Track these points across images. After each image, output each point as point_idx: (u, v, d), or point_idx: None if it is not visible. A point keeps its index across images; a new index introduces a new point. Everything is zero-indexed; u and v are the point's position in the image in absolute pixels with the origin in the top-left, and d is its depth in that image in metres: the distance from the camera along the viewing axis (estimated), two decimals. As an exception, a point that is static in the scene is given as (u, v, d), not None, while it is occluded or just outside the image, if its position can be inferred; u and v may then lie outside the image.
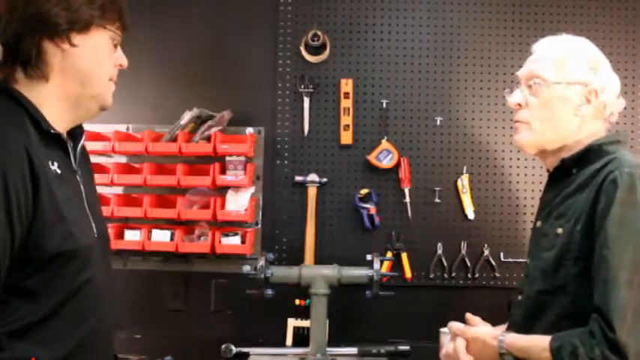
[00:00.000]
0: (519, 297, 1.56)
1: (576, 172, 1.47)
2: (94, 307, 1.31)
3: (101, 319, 1.34)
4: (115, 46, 1.35)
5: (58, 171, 1.25)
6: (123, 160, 2.74)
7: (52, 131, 1.26)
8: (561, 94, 1.48)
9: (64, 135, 1.32)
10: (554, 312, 1.40)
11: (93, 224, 1.34)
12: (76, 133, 1.38)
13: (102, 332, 1.35)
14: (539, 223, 1.55)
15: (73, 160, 1.33)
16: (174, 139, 2.63)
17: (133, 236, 2.63)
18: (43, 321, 1.21)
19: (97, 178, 2.56)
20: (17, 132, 1.19)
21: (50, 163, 1.23)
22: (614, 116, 1.53)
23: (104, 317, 1.36)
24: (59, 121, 1.29)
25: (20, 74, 1.26)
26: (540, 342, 1.35)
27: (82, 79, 1.29)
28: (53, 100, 1.28)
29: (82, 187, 1.34)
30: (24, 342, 1.19)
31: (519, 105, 1.53)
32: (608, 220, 1.32)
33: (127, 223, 2.68)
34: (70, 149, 1.33)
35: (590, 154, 1.46)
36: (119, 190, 2.71)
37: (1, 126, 1.19)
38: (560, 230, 1.43)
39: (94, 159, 2.65)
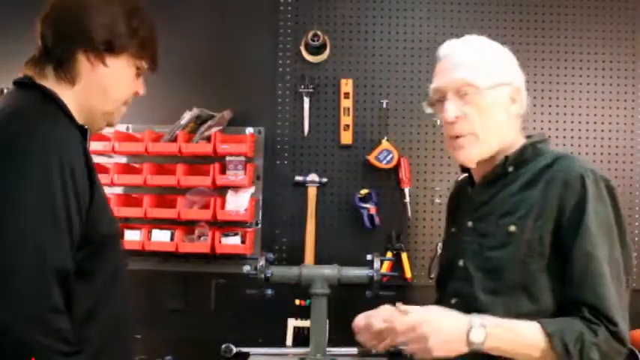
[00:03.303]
0: (452, 301, 1.48)
1: (513, 170, 1.46)
2: (125, 290, 1.40)
3: (129, 303, 1.42)
4: (138, 75, 1.45)
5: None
6: (123, 160, 2.74)
7: (85, 127, 1.35)
8: (494, 98, 1.45)
9: (90, 132, 1.40)
10: (512, 312, 1.35)
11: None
12: None
13: (130, 317, 1.44)
14: (470, 224, 1.50)
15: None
16: (174, 139, 2.63)
17: (133, 236, 2.62)
18: (96, 304, 1.29)
19: (97, 178, 2.60)
20: (72, 130, 1.29)
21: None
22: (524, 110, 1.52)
23: (129, 301, 1.44)
24: None
25: (50, 72, 1.34)
26: (523, 323, 1.30)
27: (101, 96, 1.38)
28: (73, 105, 1.35)
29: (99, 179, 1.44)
30: (87, 324, 1.26)
31: (457, 117, 1.46)
32: (587, 217, 1.32)
33: (127, 223, 2.68)
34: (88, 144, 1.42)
35: (527, 152, 1.47)
36: (119, 190, 2.71)
37: (59, 125, 1.27)
38: (512, 228, 1.39)
39: (94, 159, 2.67)
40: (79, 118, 1.35)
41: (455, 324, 1.30)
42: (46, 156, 1.20)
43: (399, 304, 1.37)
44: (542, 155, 1.46)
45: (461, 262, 1.50)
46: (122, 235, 1.51)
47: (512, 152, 1.47)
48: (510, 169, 1.47)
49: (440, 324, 1.30)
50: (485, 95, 1.44)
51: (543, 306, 1.36)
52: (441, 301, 1.54)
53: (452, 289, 1.52)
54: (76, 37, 1.32)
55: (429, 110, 1.55)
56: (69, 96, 1.33)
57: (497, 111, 1.46)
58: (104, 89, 1.37)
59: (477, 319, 1.29)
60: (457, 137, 1.48)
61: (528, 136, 1.53)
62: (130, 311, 1.43)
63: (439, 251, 2.66)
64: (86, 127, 1.35)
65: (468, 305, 1.41)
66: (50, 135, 1.23)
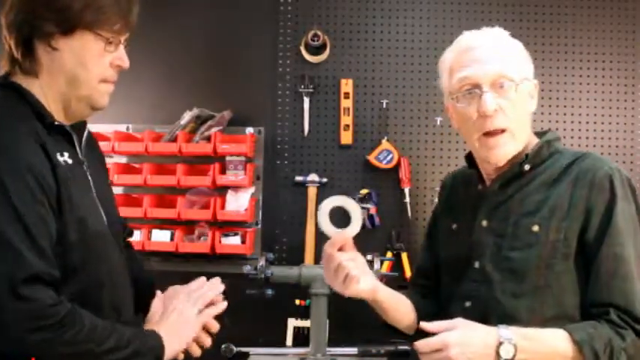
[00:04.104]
0: (466, 304, 1.42)
1: (529, 169, 1.41)
2: (112, 296, 1.33)
3: (120, 309, 1.36)
4: (111, 45, 1.32)
5: (69, 161, 1.28)
6: (123, 160, 2.74)
7: (55, 123, 1.28)
8: (523, 92, 1.40)
9: (68, 126, 1.34)
10: (536, 315, 1.32)
11: (102, 213, 1.35)
12: (80, 125, 1.40)
13: (121, 322, 1.36)
14: (484, 223, 1.43)
15: (78, 151, 1.35)
16: (174, 139, 2.63)
17: (133, 236, 2.63)
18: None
19: (97, 178, 2.60)
20: (27, 125, 1.23)
21: (59, 154, 1.26)
22: None
23: (124, 307, 1.38)
24: (57, 117, 1.31)
25: (17, 67, 1.28)
26: (548, 332, 1.27)
27: (69, 81, 1.29)
28: (47, 96, 1.29)
29: (89, 177, 1.36)
30: None
31: (495, 111, 1.36)
32: (616, 217, 1.30)
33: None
34: (75, 140, 1.35)
35: (543, 151, 1.42)
36: (119, 190, 2.71)
37: (11, 121, 1.22)
38: (536, 228, 1.34)
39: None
40: (56, 110, 1.30)
41: (483, 340, 1.25)
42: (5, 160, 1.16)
43: (422, 323, 1.30)
44: (558, 154, 1.42)
45: (476, 264, 1.42)
46: (115, 238, 1.41)
47: (531, 150, 1.42)
48: (527, 167, 1.41)
49: (468, 341, 1.24)
50: (519, 89, 1.38)
51: (567, 308, 1.32)
52: (451, 303, 1.48)
53: (465, 292, 1.44)
54: (25, 27, 1.25)
55: (450, 103, 1.45)
56: (38, 89, 1.28)
57: (524, 105, 1.41)
58: (68, 73, 1.28)
59: (504, 331, 1.24)
60: (490, 134, 1.38)
61: (539, 134, 1.47)
62: (117, 319, 1.34)
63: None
64: (57, 122, 1.28)
65: (487, 308, 1.37)
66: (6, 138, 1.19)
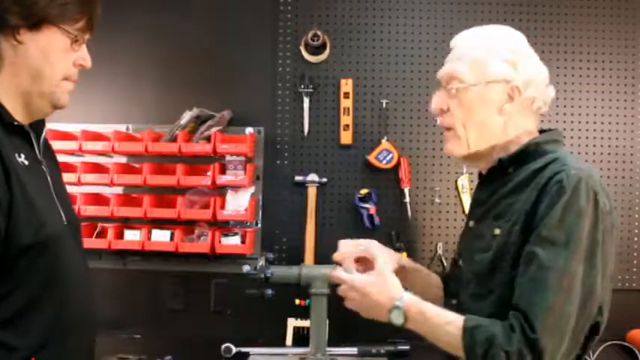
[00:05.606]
0: (453, 301, 1.46)
1: (512, 170, 1.40)
2: (72, 294, 1.34)
3: (80, 306, 1.36)
4: (75, 43, 1.33)
5: (26, 162, 1.28)
6: (123, 160, 2.74)
7: (15, 123, 1.29)
8: (481, 95, 1.39)
9: (27, 127, 1.34)
10: (492, 317, 1.30)
11: (61, 212, 1.36)
12: (38, 124, 1.40)
13: (82, 319, 1.38)
14: (471, 223, 1.47)
15: (37, 151, 1.36)
16: (174, 139, 2.63)
17: (132, 236, 2.63)
18: (23, 310, 1.23)
19: (97, 178, 2.60)
20: None
21: (17, 155, 1.26)
22: (544, 108, 1.44)
23: (83, 304, 1.38)
24: (16, 115, 1.31)
25: None
26: (451, 315, 1.30)
27: (32, 76, 1.29)
28: (6, 93, 1.29)
29: (48, 176, 1.37)
30: (6, 331, 1.21)
31: (442, 110, 1.44)
32: (548, 220, 1.25)
33: (126, 223, 2.68)
34: (33, 140, 1.35)
35: (528, 153, 1.39)
36: (119, 190, 2.71)
37: None
38: (497, 231, 1.35)
39: (94, 159, 2.69)
40: (16, 107, 1.30)
41: (382, 300, 1.35)
42: None
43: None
44: (544, 156, 1.37)
45: (460, 262, 1.49)
46: (73, 236, 1.40)
47: (510, 154, 1.40)
48: (510, 169, 1.40)
49: (367, 293, 1.36)
50: (470, 91, 1.39)
51: (507, 311, 1.29)
52: (446, 298, 1.55)
53: (454, 290, 1.50)
54: None
55: None
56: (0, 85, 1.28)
57: (485, 108, 1.39)
58: (32, 68, 1.28)
59: (402, 302, 1.32)
60: (445, 128, 1.46)
61: (543, 131, 1.45)
62: (77, 320, 1.35)
63: (439, 251, 2.67)
64: (16, 122, 1.29)
65: (459, 309, 1.38)
66: None
